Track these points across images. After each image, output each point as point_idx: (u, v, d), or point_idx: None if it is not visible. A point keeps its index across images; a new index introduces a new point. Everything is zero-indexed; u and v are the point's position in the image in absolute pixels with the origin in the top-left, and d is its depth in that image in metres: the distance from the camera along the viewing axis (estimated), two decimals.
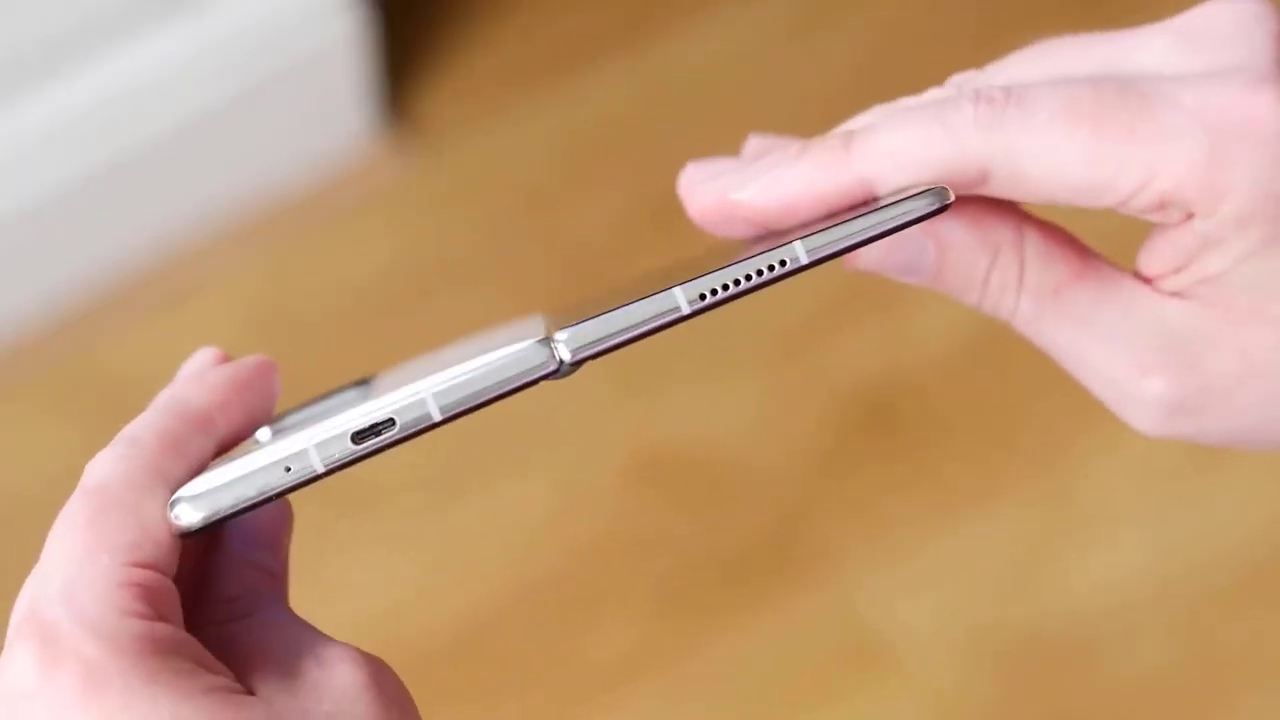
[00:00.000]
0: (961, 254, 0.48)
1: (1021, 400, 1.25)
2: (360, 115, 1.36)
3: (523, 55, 1.42)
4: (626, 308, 0.42)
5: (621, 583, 1.21)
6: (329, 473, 0.42)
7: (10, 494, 1.24)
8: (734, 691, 1.18)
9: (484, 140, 1.39)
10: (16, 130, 1.24)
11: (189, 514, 0.42)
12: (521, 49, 1.42)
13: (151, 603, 0.41)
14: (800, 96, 1.39)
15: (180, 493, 0.42)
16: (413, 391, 0.42)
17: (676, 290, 0.43)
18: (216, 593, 0.44)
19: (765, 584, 1.20)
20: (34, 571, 0.42)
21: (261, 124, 1.32)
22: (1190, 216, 0.46)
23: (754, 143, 0.50)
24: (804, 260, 0.43)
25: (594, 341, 0.42)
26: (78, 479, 0.43)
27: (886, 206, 0.44)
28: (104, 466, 0.43)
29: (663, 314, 0.43)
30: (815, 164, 0.47)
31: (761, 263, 0.43)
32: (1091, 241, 0.49)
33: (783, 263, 0.43)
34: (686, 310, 0.43)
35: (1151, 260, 0.47)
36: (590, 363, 0.43)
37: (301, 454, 0.42)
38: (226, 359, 0.47)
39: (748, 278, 0.43)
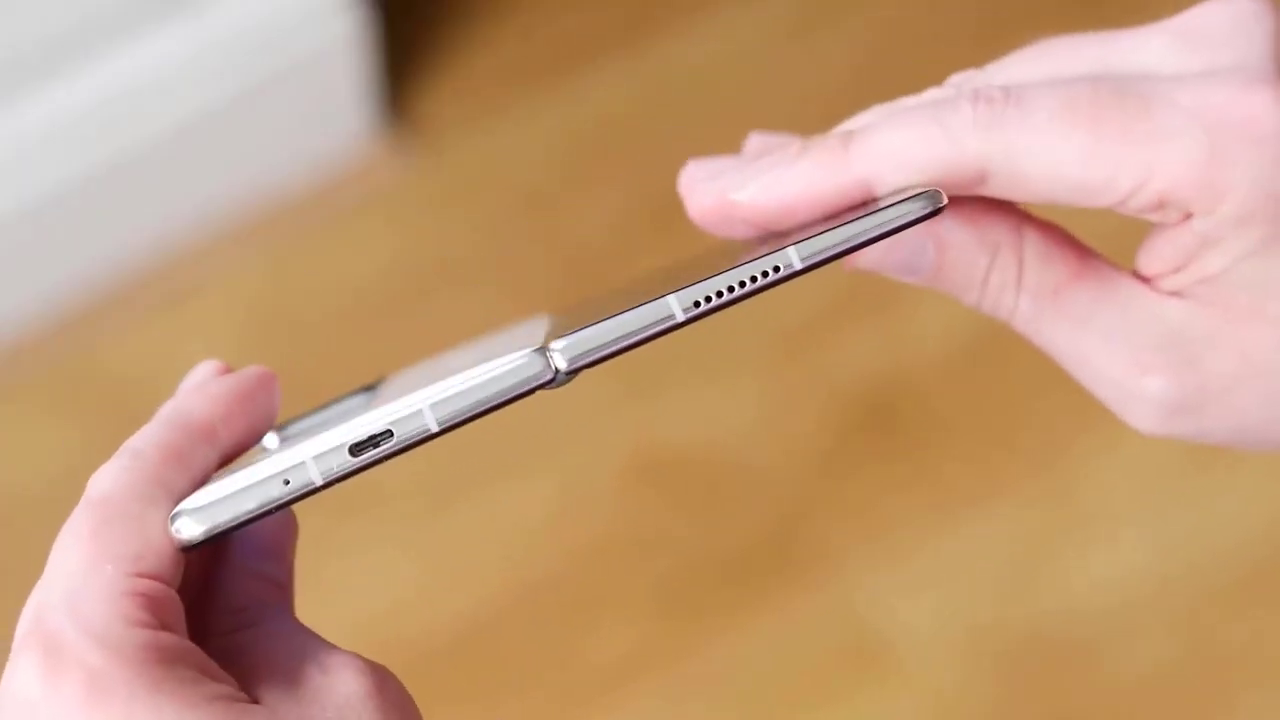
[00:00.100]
0: (961, 253, 0.48)
1: (1021, 400, 1.25)
2: (360, 115, 1.36)
3: (523, 55, 1.42)
4: (621, 316, 0.43)
5: (621, 583, 1.21)
6: (327, 485, 0.42)
7: (10, 494, 1.24)
8: (734, 691, 1.18)
9: (484, 140, 1.39)
10: (16, 130, 1.24)
11: (190, 528, 0.42)
12: (521, 49, 1.43)
13: (155, 612, 0.41)
14: (800, 96, 1.39)
15: (181, 506, 0.42)
16: (410, 402, 0.42)
17: (671, 298, 0.43)
18: (222, 603, 0.45)
19: (765, 584, 1.20)
20: (39, 583, 0.42)
21: (261, 124, 1.32)
22: (1189, 216, 0.46)
23: (755, 141, 0.50)
24: (798, 266, 0.43)
25: (589, 350, 0.43)
26: (78, 479, 0.44)
27: (880, 210, 0.44)
28: (107, 478, 0.43)
29: (658, 322, 0.43)
30: (814, 164, 0.47)
31: (755, 269, 0.43)
32: (1091, 241, 0.49)
33: (777, 269, 0.43)
34: (681, 318, 0.43)
35: (1151, 260, 0.47)
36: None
37: (300, 467, 0.42)
38: (228, 371, 0.47)
39: (741, 284, 0.43)
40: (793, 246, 0.43)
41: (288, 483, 0.42)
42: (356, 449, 0.42)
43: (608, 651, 1.19)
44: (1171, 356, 0.47)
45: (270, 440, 0.48)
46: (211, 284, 1.33)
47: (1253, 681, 1.17)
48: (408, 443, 0.42)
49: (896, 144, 0.46)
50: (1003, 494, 1.23)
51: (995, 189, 0.46)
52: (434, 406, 0.42)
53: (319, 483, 0.42)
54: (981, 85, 0.47)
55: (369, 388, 0.52)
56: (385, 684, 0.43)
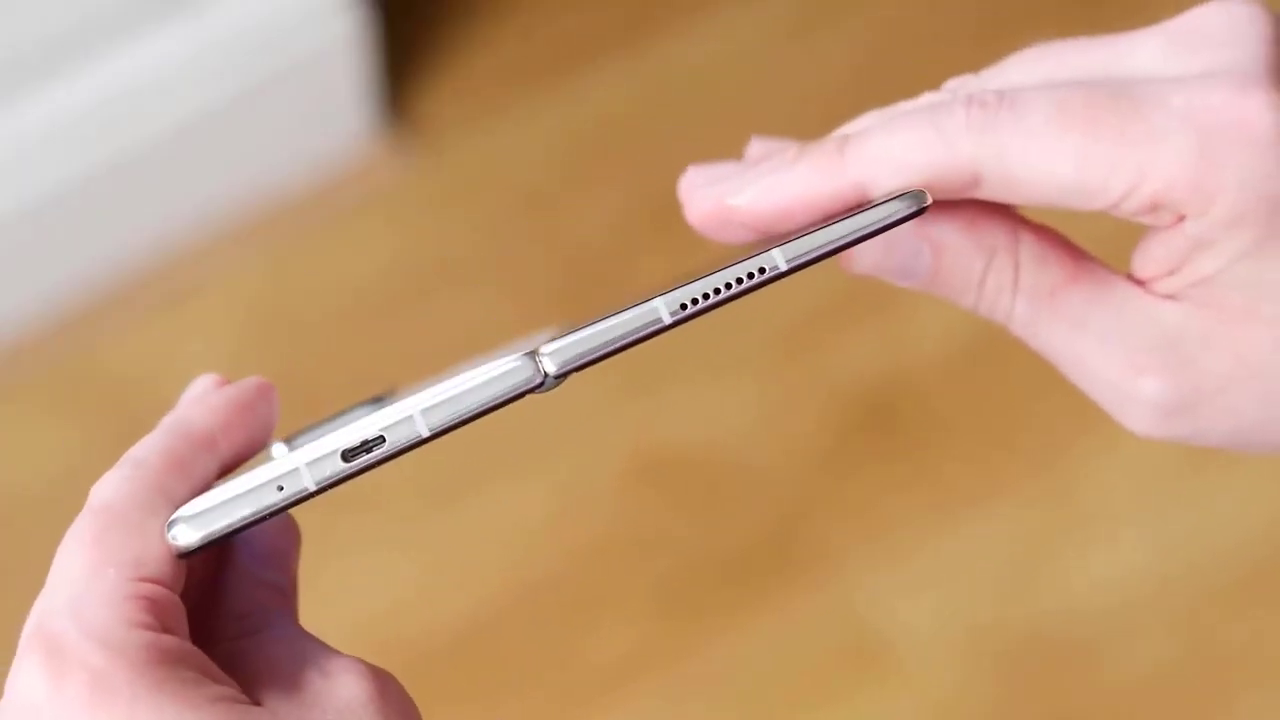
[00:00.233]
0: (957, 257, 0.48)
1: (1021, 400, 1.25)
2: (360, 115, 1.37)
3: (523, 55, 1.42)
4: (609, 319, 0.43)
5: (621, 583, 1.21)
6: (320, 491, 0.43)
7: (10, 494, 1.24)
8: (734, 691, 1.18)
9: (484, 140, 1.39)
10: (16, 130, 1.24)
11: (186, 534, 0.43)
12: (521, 49, 1.43)
13: (157, 615, 0.42)
14: (800, 96, 1.39)
15: (178, 514, 0.43)
16: (402, 408, 0.43)
17: (658, 301, 0.43)
18: (227, 610, 0.45)
19: (765, 584, 1.20)
20: (43, 589, 0.42)
21: (261, 124, 1.33)
22: (1182, 219, 0.46)
23: (756, 146, 0.51)
24: (783, 267, 0.44)
25: (579, 355, 0.43)
26: (78, 479, 0.44)
27: (864, 211, 0.44)
28: (109, 486, 0.43)
29: (645, 325, 0.43)
30: (810, 169, 0.47)
31: (741, 270, 0.44)
32: (1086, 245, 0.49)
33: (762, 270, 0.44)
34: (668, 320, 0.43)
35: (1145, 263, 0.48)
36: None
37: (294, 473, 0.43)
38: (226, 384, 0.47)
39: (728, 286, 0.44)
40: (778, 248, 0.44)
41: (281, 489, 0.43)
42: (349, 454, 0.43)
43: (608, 651, 1.19)
44: (1167, 358, 0.47)
45: (279, 450, 0.49)
46: (211, 284, 1.33)
47: (1253, 681, 1.17)
48: (399, 448, 0.43)
49: (891, 148, 0.46)
50: (1003, 494, 1.23)
51: (990, 192, 0.47)
52: (425, 412, 0.43)
53: (312, 488, 0.43)
54: (976, 89, 0.47)
55: (378, 399, 0.53)
56: (387, 688, 0.43)
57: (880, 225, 0.44)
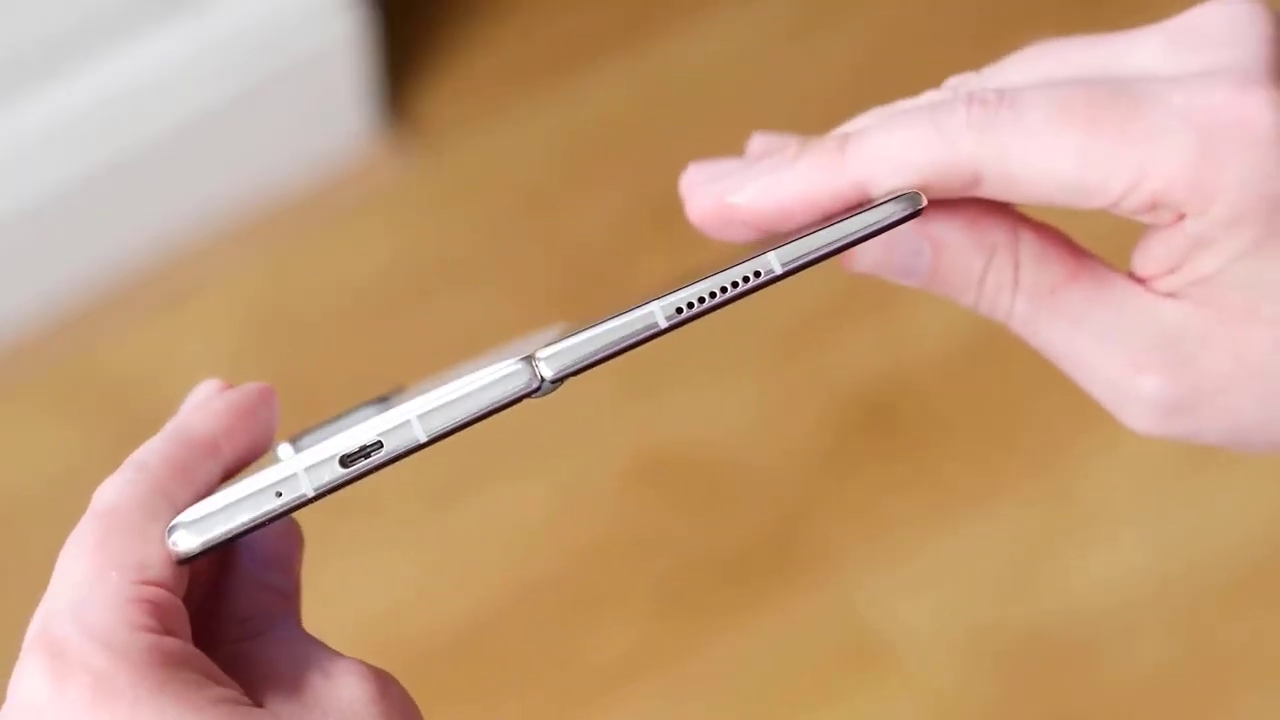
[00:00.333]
0: (957, 255, 0.48)
1: (1021, 400, 1.25)
2: (360, 115, 1.37)
3: (523, 55, 1.42)
4: (606, 324, 0.43)
5: (621, 583, 1.21)
6: (319, 496, 0.43)
7: (10, 494, 1.24)
8: (734, 691, 1.18)
9: (484, 140, 1.39)
10: (16, 130, 1.24)
11: (186, 540, 0.43)
12: (521, 49, 1.43)
13: (160, 618, 0.42)
14: (800, 96, 1.39)
15: (178, 520, 0.43)
16: (400, 414, 0.43)
17: (654, 305, 0.44)
18: (230, 613, 0.45)
19: (765, 584, 1.20)
20: (46, 592, 0.43)
21: (261, 124, 1.33)
22: (1182, 217, 0.46)
23: (758, 142, 0.51)
24: (778, 270, 0.44)
25: (575, 360, 0.43)
26: (78, 479, 0.44)
27: (860, 214, 0.45)
28: (112, 490, 0.44)
29: (641, 330, 0.44)
30: (810, 167, 0.47)
31: (736, 274, 0.44)
32: (1086, 243, 0.49)
33: (757, 274, 0.44)
34: (664, 325, 0.44)
35: (1145, 261, 0.48)
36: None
37: (292, 479, 0.43)
38: (229, 389, 0.48)
39: (723, 290, 0.44)
40: (773, 251, 0.44)
41: (280, 495, 0.43)
42: (347, 460, 0.43)
43: (608, 651, 1.19)
44: (1166, 357, 0.47)
45: (284, 451, 0.49)
46: (211, 284, 1.33)
47: (1253, 681, 1.17)
48: (397, 454, 0.43)
49: (891, 146, 0.46)
50: (1003, 494, 1.23)
51: (990, 190, 0.47)
52: (422, 418, 0.43)
53: (310, 494, 0.43)
54: (976, 88, 0.47)
55: (382, 399, 0.53)
56: (388, 689, 0.43)
57: (874, 228, 0.44)
